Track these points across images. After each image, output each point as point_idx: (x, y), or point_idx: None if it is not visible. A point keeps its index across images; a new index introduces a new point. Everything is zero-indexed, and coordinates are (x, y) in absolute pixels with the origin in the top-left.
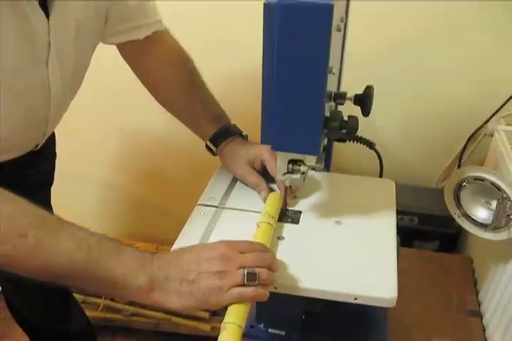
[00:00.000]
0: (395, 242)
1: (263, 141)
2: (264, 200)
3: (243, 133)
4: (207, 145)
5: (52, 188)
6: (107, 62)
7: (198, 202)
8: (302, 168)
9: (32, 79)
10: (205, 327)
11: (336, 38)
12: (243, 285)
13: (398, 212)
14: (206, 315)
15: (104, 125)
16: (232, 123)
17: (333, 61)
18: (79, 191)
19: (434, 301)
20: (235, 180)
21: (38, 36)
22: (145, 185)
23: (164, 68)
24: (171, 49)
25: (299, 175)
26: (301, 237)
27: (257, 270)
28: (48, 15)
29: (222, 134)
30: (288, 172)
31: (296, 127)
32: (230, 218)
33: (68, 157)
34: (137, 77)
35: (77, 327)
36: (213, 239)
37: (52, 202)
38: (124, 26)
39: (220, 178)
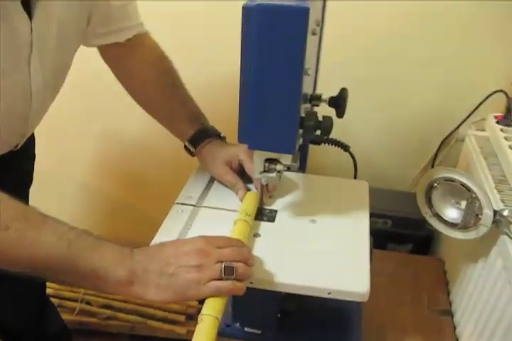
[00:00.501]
0: (368, 240)
1: (240, 140)
2: (241, 199)
3: (221, 134)
4: (185, 146)
5: (30, 189)
6: (86, 65)
7: (176, 201)
8: (278, 167)
9: (14, 79)
10: (181, 331)
11: (311, 41)
12: (221, 279)
13: (372, 215)
14: (182, 318)
15: (83, 126)
16: (210, 124)
17: (309, 63)
18: (56, 193)
19: (407, 301)
20: (212, 180)
21: (20, 36)
22: (122, 188)
23: (145, 70)
24: (151, 51)
25: (275, 174)
26: (276, 235)
27: (234, 264)
28: (30, 16)
29: (200, 135)
30: (264, 170)
31: (272, 127)
32: (207, 216)
33: (46, 158)
34: (117, 78)
35: (55, 328)
36: (191, 236)
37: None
38: (108, 28)
39: (198, 178)
